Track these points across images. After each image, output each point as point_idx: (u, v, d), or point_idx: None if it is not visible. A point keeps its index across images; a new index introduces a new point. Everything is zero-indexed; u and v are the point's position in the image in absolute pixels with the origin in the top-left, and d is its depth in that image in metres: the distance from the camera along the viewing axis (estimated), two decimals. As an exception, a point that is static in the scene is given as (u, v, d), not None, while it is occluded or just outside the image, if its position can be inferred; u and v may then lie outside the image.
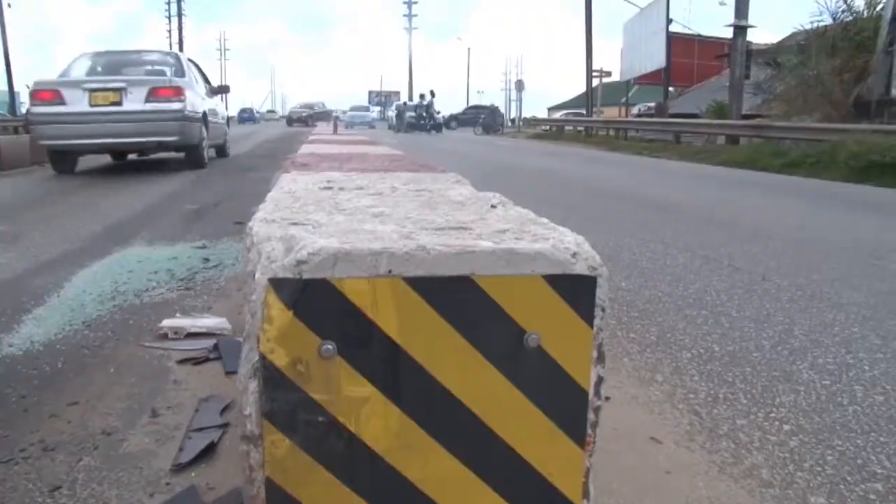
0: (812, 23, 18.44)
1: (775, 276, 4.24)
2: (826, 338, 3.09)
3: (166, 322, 3.06)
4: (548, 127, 34.75)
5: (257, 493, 1.28)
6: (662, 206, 7.60)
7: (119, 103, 9.62)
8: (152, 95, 9.74)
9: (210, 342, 2.81)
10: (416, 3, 67.89)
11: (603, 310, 1.34)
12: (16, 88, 34.01)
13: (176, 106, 9.81)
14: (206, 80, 12.81)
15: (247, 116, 62.32)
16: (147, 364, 2.68)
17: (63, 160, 10.37)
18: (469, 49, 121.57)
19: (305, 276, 1.22)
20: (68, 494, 1.75)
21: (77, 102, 9.55)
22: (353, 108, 51.20)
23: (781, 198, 8.79)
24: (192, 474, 1.83)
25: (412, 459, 1.30)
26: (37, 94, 9.89)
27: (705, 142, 19.10)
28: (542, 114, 50.99)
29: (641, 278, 4.21)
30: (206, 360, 2.67)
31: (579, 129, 29.40)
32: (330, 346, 1.23)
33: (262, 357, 1.23)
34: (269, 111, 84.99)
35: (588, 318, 1.32)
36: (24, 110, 35.23)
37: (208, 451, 1.93)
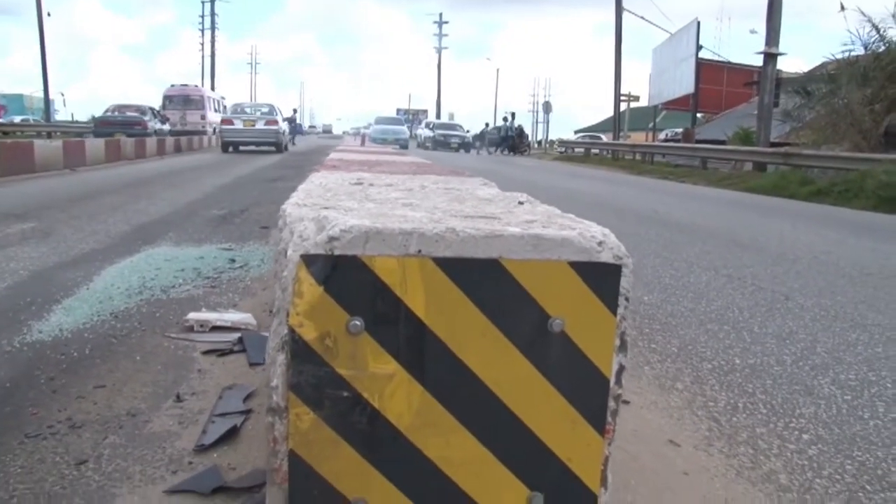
0: (843, 52, 18.36)
1: (799, 296, 4.22)
2: (849, 356, 3.07)
3: (192, 315, 3.11)
4: (572, 149, 34.70)
5: (280, 466, 1.31)
6: (687, 228, 7.58)
7: (254, 125, 23.22)
8: (266, 124, 23.32)
9: (235, 335, 2.85)
10: (447, 22, 68.37)
11: (627, 299, 1.35)
12: (50, 96, 34.77)
13: (274, 128, 23.58)
14: (281, 114, 26.13)
15: (298, 130, 68.30)
16: (172, 354, 2.72)
17: (231, 146, 23.62)
18: (498, 70, 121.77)
19: (337, 252, 1.25)
20: (94, 468, 1.78)
21: (238, 124, 23.29)
22: (379, 121, 37.38)
23: (808, 224, 8.72)
24: (215, 455, 1.86)
25: (433, 438, 1.32)
26: (223, 121, 24.34)
27: (732, 168, 19.01)
28: (569, 136, 50.75)
29: (664, 294, 4.20)
30: (231, 352, 2.71)
31: (606, 152, 29.41)
32: (358, 322, 1.26)
33: (291, 330, 1.26)
34: (310, 126, 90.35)
35: (612, 306, 1.34)
36: (56, 117, 35.95)
37: (231, 435, 1.96)
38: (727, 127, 24.94)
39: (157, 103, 30.27)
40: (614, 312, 1.34)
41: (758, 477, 1.93)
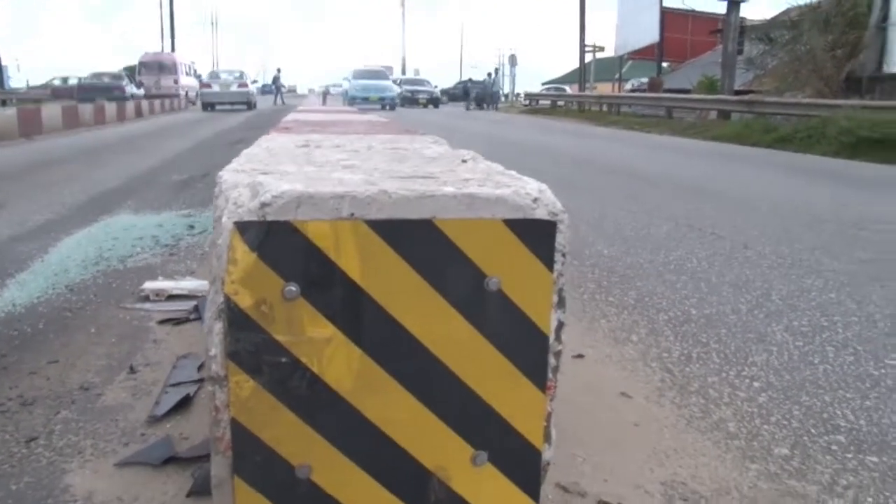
0: (804, -4, 18.38)
1: (757, 244, 4.28)
2: (803, 302, 3.13)
3: (148, 284, 3.07)
4: (538, 102, 34.48)
5: (223, 434, 1.31)
6: (649, 179, 7.62)
7: (228, 88, 27.69)
8: (239, 87, 27.72)
9: (191, 304, 2.83)
10: (409, -23, 66.91)
11: (564, 255, 1.36)
12: (3, 63, 33.84)
13: (247, 90, 28.01)
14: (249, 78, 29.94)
15: (266, 90, 67.91)
16: (128, 325, 2.70)
17: (210, 107, 27.08)
18: (462, 24, 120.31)
19: (269, 218, 1.24)
20: (45, 444, 1.77)
21: (217, 87, 27.86)
22: (358, 75, 30.69)
23: (769, 172, 8.81)
24: (168, 426, 1.86)
25: (374, 400, 1.33)
26: (202, 85, 29.71)
27: (697, 117, 19.09)
28: (537, 89, 50.19)
29: (624, 246, 4.24)
30: (187, 320, 2.69)
31: (572, 104, 29.33)
32: (293, 288, 1.25)
33: (227, 298, 1.25)
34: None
35: (548, 262, 1.34)
36: (11, 84, 35.24)
37: (184, 405, 1.95)
38: (693, 76, 24.99)
39: (116, 67, 32.35)
40: (551, 269, 1.35)
41: (707, 426, 1.98)
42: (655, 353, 2.50)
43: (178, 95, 31.05)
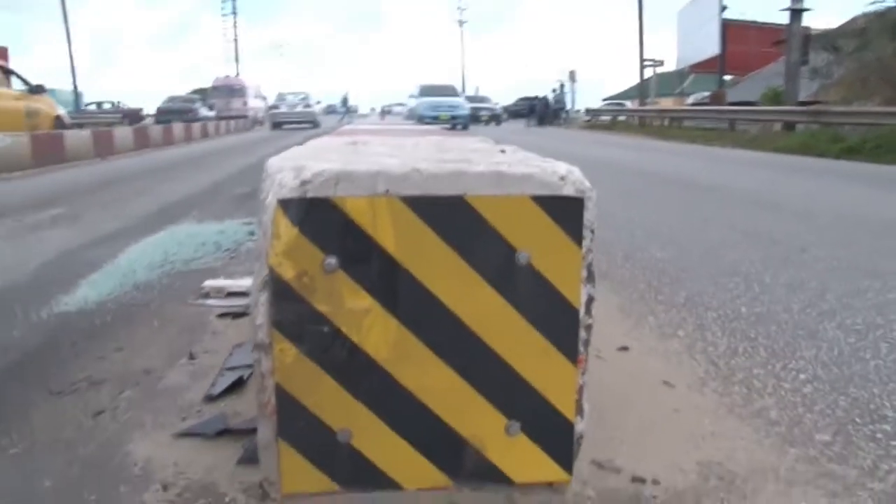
0: (873, 2, 17.87)
1: (814, 248, 4.21)
2: (858, 302, 3.08)
3: (208, 282, 3.22)
4: (598, 117, 34.26)
5: (269, 400, 1.39)
6: (709, 189, 7.53)
7: (294, 109, 30.22)
8: (304, 107, 30.35)
9: (248, 300, 2.95)
10: (467, -4, 67.48)
11: (592, 231, 1.41)
12: (79, 89, 35.60)
13: (312, 111, 30.39)
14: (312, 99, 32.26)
15: (330, 111, 73.16)
16: (189, 318, 2.84)
17: (279, 126, 28.82)
18: (522, 42, 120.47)
19: (309, 195, 1.33)
20: (110, 418, 1.90)
21: (284, 108, 30.35)
22: (425, 91, 27.06)
23: (834, 181, 8.60)
24: (222, 404, 1.96)
25: (410, 369, 1.40)
26: (272, 107, 32.23)
27: (761, 129, 18.70)
28: (597, 105, 49.70)
29: (677, 249, 4.23)
30: (244, 314, 2.81)
31: (633, 119, 29.09)
32: (332, 261, 1.34)
33: (271, 270, 1.34)
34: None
35: (577, 238, 1.39)
36: (87, 109, 37.37)
37: (238, 386, 2.06)
38: (756, 88, 24.51)
39: (183, 91, 34.73)
40: (579, 244, 1.40)
41: (748, 413, 1.98)
42: (701, 347, 2.51)
43: (246, 116, 33.15)
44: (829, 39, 20.40)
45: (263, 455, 1.44)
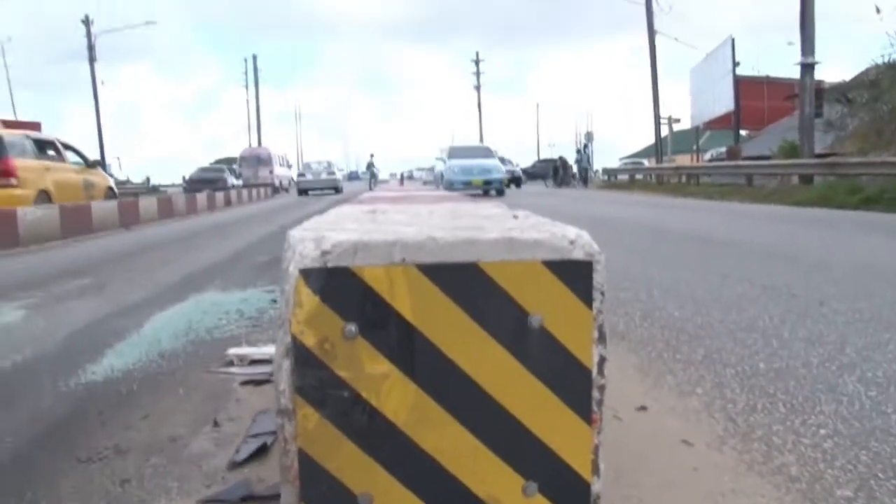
0: (883, 56, 18.08)
1: (833, 301, 4.21)
2: (879, 355, 3.07)
3: (232, 350, 3.28)
4: (616, 177, 34.48)
5: (291, 464, 1.43)
6: (726, 244, 7.56)
7: (319, 176, 32.82)
8: (327, 174, 32.92)
9: (272, 367, 3.00)
10: (483, 61, 69.03)
11: (602, 293, 1.45)
12: (107, 161, 36.64)
13: (335, 177, 33.25)
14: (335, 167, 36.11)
15: (353, 176, 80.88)
16: (213, 386, 2.89)
17: (305, 193, 31.66)
18: (538, 104, 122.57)
19: (330, 264, 1.39)
20: (136, 486, 1.94)
21: (310, 176, 32.99)
22: (455, 153, 24.81)
23: (852, 233, 8.60)
24: (246, 470, 2.00)
25: (428, 431, 1.43)
26: (299, 174, 35.11)
27: (778, 183, 18.77)
28: (615, 164, 49.97)
29: (695, 306, 4.24)
30: (267, 381, 2.86)
31: (650, 177, 29.29)
32: (352, 328, 1.39)
33: (294, 338, 1.39)
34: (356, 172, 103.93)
35: (587, 300, 1.44)
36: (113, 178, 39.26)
37: (261, 452, 2.09)
38: (771, 142, 24.66)
39: (207, 161, 37.20)
40: (590, 306, 1.44)
41: (768, 470, 1.98)
42: (720, 405, 2.51)
43: (272, 184, 36.29)
44: (842, 91, 20.61)
45: (287, 520, 1.47)
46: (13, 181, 11.49)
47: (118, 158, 64.33)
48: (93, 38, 38.41)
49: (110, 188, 15.56)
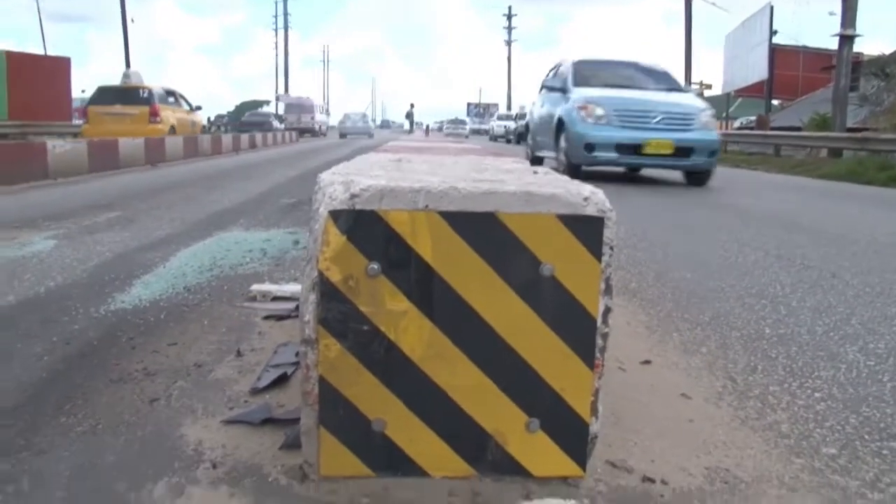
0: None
1: (846, 274, 4.26)
2: (883, 328, 3.14)
3: (255, 287, 3.41)
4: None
5: (312, 390, 1.55)
6: (746, 213, 7.57)
7: (356, 124, 45.08)
8: (363, 122, 47.32)
9: (293, 304, 3.13)
10: (515, 15, 68.02)
11: (611, 248, 1.54)
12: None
13: (368, 126, 47.49)
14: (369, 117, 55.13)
15: (384, 125, 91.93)
16: (236, 319, 3.02)
17: (344, 136, 39.89)
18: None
19: (357, 207, 1.49)
20: (164, 405, 2.07)
21: (349, 124, 44.87)
22: (588, 75, 11.23)
23: (877, 208, 8.57)
24: (267, 396, 2.13)
25: (442, 367, 1.54)
26: (340, 122, 46.89)
27: (807, 155, 18.56)
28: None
29: (707, 271, 4.31)
30: (288, 317, 2.98)
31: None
32: (375, 266, 1.49)
33: (320, 273, 1.50)
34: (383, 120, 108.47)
35: (597, 254, 1.53)
36: None
37: (282, 381, 2.22)
38: (803, 113, 24.30)
39: (234, 103, 41.13)
40: (599, 259, 1.53)
41: (760, 426, 2.08)
42: (722, 364, 2.61)
43: (313, 129, 43.75)
44: (880, 66, 20.19)
45: (305, 440, 1.59)
46: (158, 119, 17.48)
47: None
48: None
49: (203, 126, 22.01)
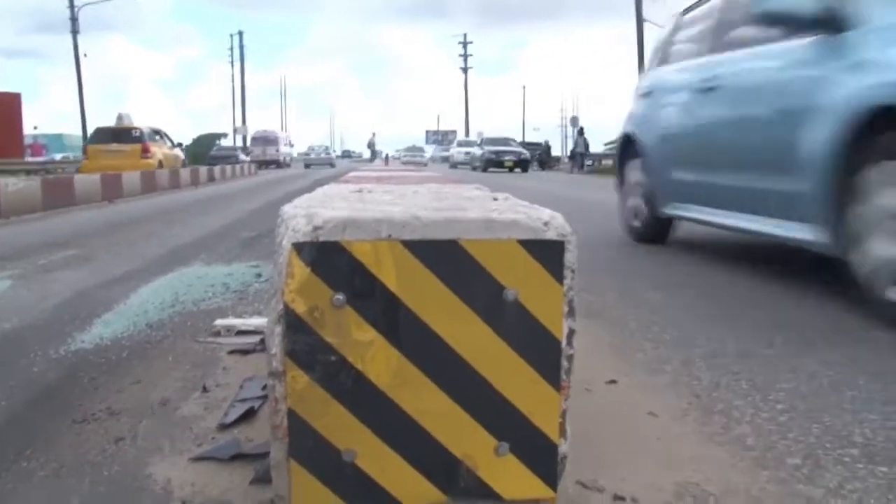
0: None
1: (803, 286, 4.36)
2: (839, 338, 3.22)
3: (219, 321, 3.38)
4: (600, 161, 34.53)
5: (281, 423, 1.55)
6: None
7: (319, 155, 55.15)
8: (325, 154, 56.61)
9: (258, 338, 3.11)
10: (471, 42, 68.99)
11: (573, 271, 1.57)
12: (89, 134, 36.50)
13: (330, 156, 55.91)
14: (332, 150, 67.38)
15: (346, 154, 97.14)
16: (201, 355, 2.99)
17: (308, 166, 46.71)
18: (524, 87, 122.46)
19: (321, 238, 1.50)
20: (130, 444, 2.05)
21: (313, 155, 55.31)
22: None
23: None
24: (235, 432, 2.11)
25: (410, 395, 1.55)
26: (305, 154, 58.97)
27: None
28: (599, 150, 49.92)
29: (668, 290, 4.38)
30: (254, 350, 2.96)
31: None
32: (340, 297, 1.50)
33: (286, 305, 1.50)
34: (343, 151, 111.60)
35: (559, 277, 1.56)
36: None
37: (249, 415, 2.21)
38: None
39: (191, 136, 41.72)
40: (561, 283, 1.56)
41: (726, 440, 2.12)
42: (685, 381, 2.65)
43: (278, 160, 46.17)
44: None
45: (275, 473, 1.58)
46: (149, 155, 20.03)
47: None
48: (75, 10, 37.95)
49: (183, 160, 23.69)
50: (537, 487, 1.62)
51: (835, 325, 3.46)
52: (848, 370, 2.75)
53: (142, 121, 21.86)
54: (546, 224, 1.55)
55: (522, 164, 30.33)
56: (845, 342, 3.15)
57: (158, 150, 21.00)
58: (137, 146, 20.20)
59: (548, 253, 1.55)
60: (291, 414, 1.53)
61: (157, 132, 21.86)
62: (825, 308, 3.79)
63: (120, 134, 20.79)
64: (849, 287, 3.67)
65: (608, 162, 32.59)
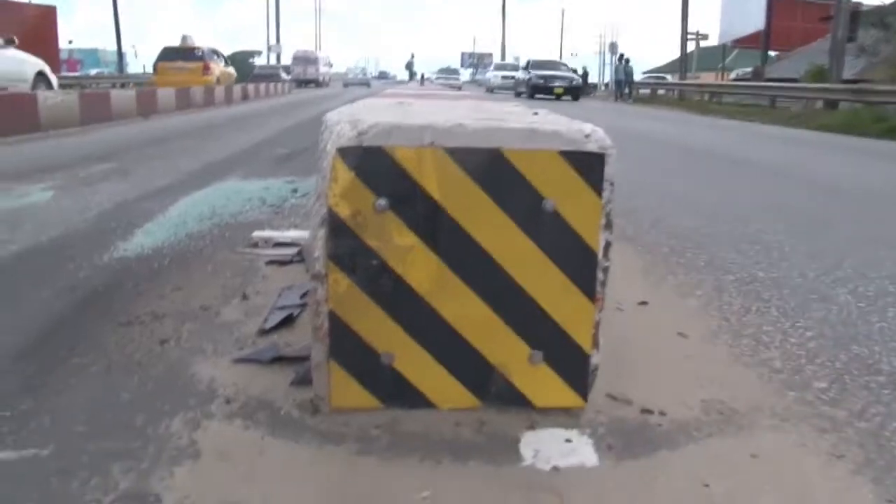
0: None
1: (839, 222, 4.32)
2: (873, 272, 3.20)
3: (257, 233, 3.44)
4: (638, 90, 33.73)
5: (322, 324, 1.60)
6: (740, 162, 7.61)
7: (356, 76, 63.35)
8: (362, 75, 67.60)
9: (295, 249, 3.17)
10: (509, -36, 66.81)
11: (611, 184, 1.58)
12: (123, 50, 36.48)
13: (367, 77, 61.36)
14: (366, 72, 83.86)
15: (382, 76, 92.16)
16: (240, 264, 3.06)
17: (346, 86, 44.26)
18: (563, 10, 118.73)
19: (365, 144, 1.52)
20: (174, 345, 2.12)
21: (351, 76, 60.97)
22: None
23: (871, 160, 8.60)
24: (275, 336, 2.18)
25: (447, 301, 1.59)
26: (343, 75, 63.05)
27: (803, 107, 18.47)
28: (638, 78, 48.31)
29: (704, 219, 4.36)
30: (291, 262, 3.02)
31: (672, 93, 28.80)
32: (383, 202, 1.53)
33: (329, 209, 1.53)
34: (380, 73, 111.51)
35: (598, 189, 1.57)
36: (129, 70, 40.28)
37: (288, 322, 2.27)
38: (801, 64, 24.09)
39: (226, 54, 39.86)
40: (600, 195, 1.57)
41: (754, 362, 2.14)
42: (716, 305, 2.67)
43: (317, 80, 46.22)
44: (880, 16, 19.99)
45: (315, 374, 1.64)
46: (209, 72, 21.89)
47: (133, 47, 63.92)
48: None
49: (235, 77, 25.26)
50: (568, 396, 1.66)
51: (869, 261, 3.43)
52: (879, 303, 2.74)
53: (172, 37, 22.57)
54: (587, 136, 1.55)
55: (573, 92, 26.22)
56: (877, 278, 3.12)
57: (216, 68, 23.08)
58: (200, 64, 22.07)
59: (588, 165, 1.55)
60: (332, 316, 1.58)
61: (214, 51, 24.04)
62: (862, 247, 3.76)
63: (184, 53, 22.73)
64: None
65: (645, 91, 31.93)
